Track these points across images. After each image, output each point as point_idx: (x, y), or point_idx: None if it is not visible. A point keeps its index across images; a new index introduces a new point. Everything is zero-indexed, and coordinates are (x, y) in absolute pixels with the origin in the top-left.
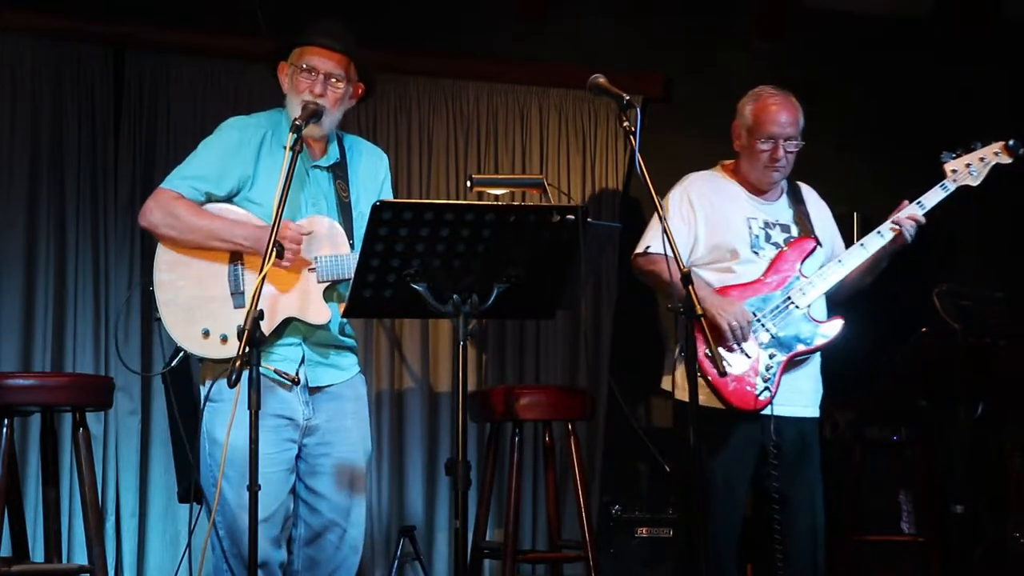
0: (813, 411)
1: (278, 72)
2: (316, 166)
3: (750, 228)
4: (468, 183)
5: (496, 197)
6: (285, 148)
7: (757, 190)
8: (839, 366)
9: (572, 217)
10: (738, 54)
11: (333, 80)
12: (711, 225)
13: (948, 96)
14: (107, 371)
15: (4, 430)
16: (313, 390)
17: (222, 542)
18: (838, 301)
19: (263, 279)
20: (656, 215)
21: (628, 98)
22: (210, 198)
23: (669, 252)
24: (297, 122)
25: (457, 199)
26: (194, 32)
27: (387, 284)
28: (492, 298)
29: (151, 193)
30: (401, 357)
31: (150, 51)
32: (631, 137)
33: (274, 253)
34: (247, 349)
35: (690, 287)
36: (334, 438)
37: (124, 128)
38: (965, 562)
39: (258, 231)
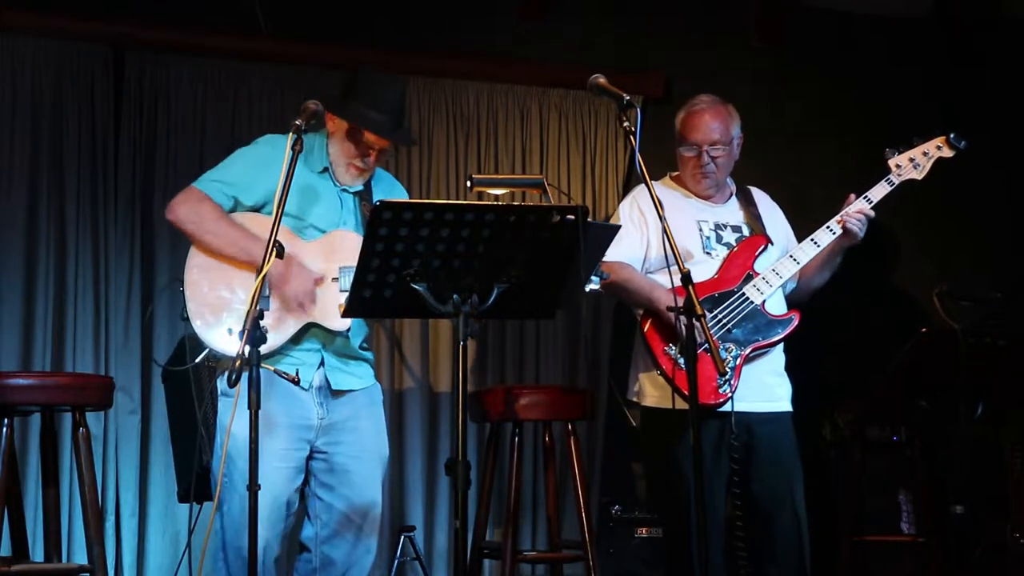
0: (784, 406)
1: (326, 113)
2: (344, 190)
3: (700, 230)
4: (468, 183)
5: (496, 197)
6: (314, 172)
7: (703, 195)
8: (839, 366)
9: (572, 217)
10: (738, 54)
11: (381, 152)
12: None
13: (948, 96)
14: (107, 371)
15: (4, 430)
16: (334, 393)
17: (224, 531)
18: (798, 301)
19: (263, 279)
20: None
21: (628, 98)
22: (237, 203)
23: (670, 251)
24: (298, 122)
25: (457, 199)
26: (194, 32)
27: (387, 284)
28: (492, 298)
29: (154, 192)
30: (401, 357)
31: (150, 51)
32: (631, 137)
33: (274, 253)
34: (247, 349)
35: (690, 287)
36: (350, 438)
37: (124, 128)
38: (965, 562)
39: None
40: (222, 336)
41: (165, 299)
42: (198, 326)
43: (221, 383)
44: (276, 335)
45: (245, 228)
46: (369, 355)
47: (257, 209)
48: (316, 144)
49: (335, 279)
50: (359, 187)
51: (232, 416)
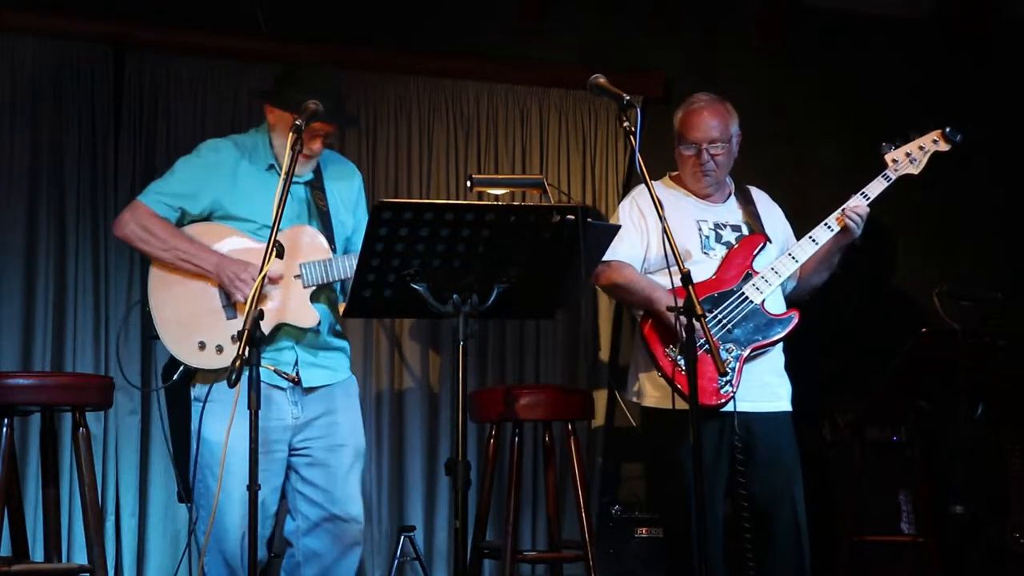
0: (783, 406)
1: (265, 107)
2: (295, 182)
3: (700, 229)
4: (468, 183)
5: (496, 197)
6: (260, 170)
7: (702, 194)
8: (839, 366)
9: (572, 217)
10: (738, 54)
11: (326, 137)
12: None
13: (948, 96)
14: (107, 371)
15: (4, 430)
16: (306, 390)
17: (205, 536)
18: (797, 300)
19: (262, 279)
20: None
21: (628, 98)
22: (184, 214)
23: (669, 251)
24: (297, 122)
25: (457, 199)
26: (194, 32)
27: (387, 284)
28: (492, 298)
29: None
30: (401, 357)
31: (150, 51)
32: (631, 137)
33: (274, 253)
34: (247, 349)
35: (690, 287)
36: (327, 432)
37: (124, 128)
38: (965, 562)
39: (224, 260)
40: (193, 350)
41: (135, 312)
42: (168, 343)
43: (194, 390)
44: None
45: (196, 241)
46: (343, 343)
47: (206, 217)
48: (259, 142)
49: (297, 276)
50: (309, 176)
51: (231, 420)
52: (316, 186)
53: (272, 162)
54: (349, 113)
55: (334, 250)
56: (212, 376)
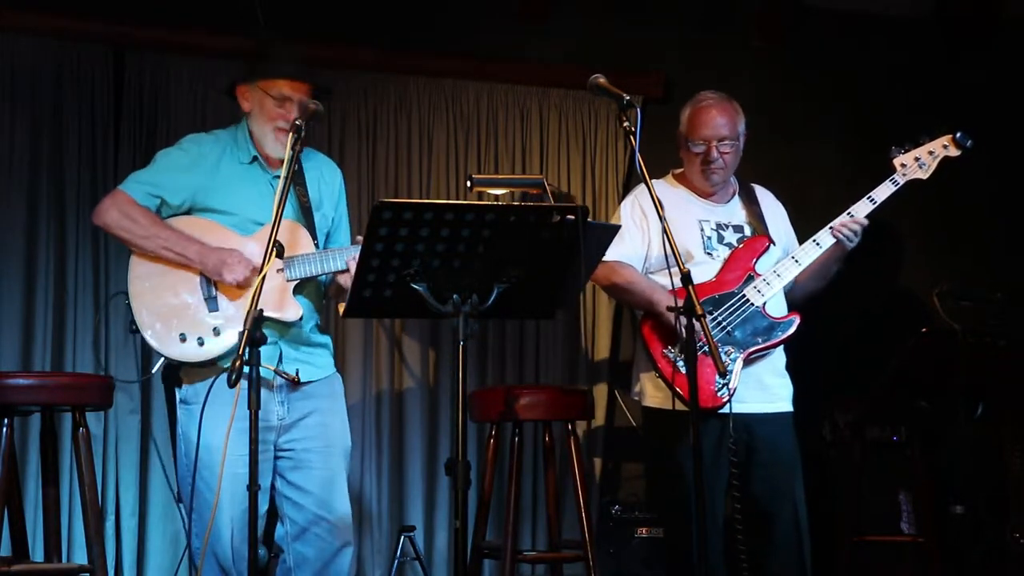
0: (784, 406)
1: (236, 93)
2: (276, 176)
3: (702, 230)
4: (468, 183)
5: (496, 197)
6: (243, 163)
7: (706, 193)
8: (839, 366)
9: (572, 217)
10: (738, 54)
11: (300, 105)
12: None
13: (949, 96)
14: (107, 371)
15: (4, 430)
16: (292, 387)
17: (197, 538)
18: (793, 303)
19: (263, 279)
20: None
21: (628, 98)
22: (163, 204)
23: (669, 251)
24: (298, 122)
25: (457, 199)
26: (194, 32)
27: (387, 284)
28: (492, 298)
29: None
30: (401, 357)
31: (150, 51)
32: (631, 137)
33: (274, 252)
34: (247, 349)
35: (691, 287)
36: (312, 433)
37: (124, 128)
38: (965, 562)
39: (206, 250)
40: (174, 343)
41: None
42: (149, 336)
43: (180, 392)
44: (234, 332)
45: (178, 230)
46: (326, 339)
47: (186, 211)
48: (238, 135)
49: (280, 270)
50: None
51: (231, 422)
52: (298, 181)
53: (255, 153)
54: (323, 82)
55: (316, 245)
56: (197, 376)
